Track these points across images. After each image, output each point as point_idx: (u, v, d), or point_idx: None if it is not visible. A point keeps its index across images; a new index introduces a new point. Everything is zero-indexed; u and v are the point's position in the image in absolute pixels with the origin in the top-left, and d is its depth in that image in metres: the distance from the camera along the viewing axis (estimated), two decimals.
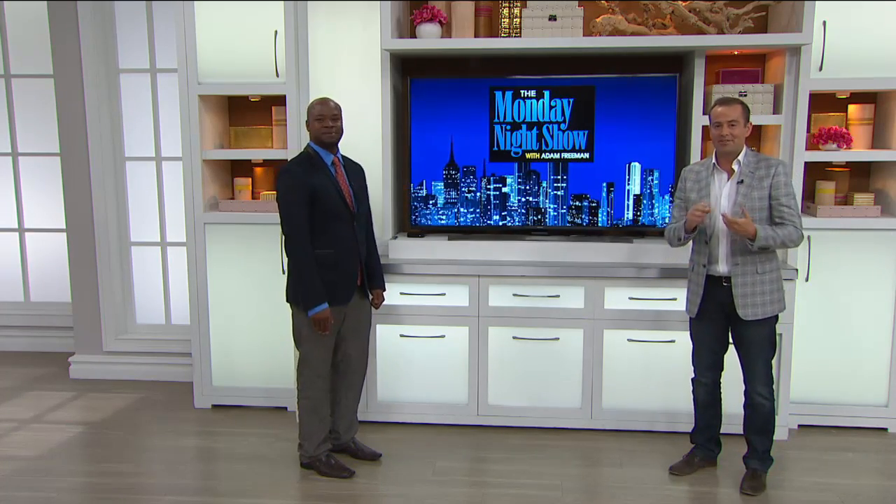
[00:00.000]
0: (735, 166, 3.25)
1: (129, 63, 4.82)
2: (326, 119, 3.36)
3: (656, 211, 4.07)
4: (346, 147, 4.03)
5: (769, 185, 3.20)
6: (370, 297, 3.66)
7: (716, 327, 3.40)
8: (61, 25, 4.66)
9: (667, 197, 4.04)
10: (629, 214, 4.09)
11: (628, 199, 4.08)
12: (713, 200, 3.28)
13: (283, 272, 4.06)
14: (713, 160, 3.32)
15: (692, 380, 3.55)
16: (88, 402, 4.51)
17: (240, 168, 4.49)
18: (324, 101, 3.40)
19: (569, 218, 4.12)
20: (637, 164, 4.04)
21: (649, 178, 4.04)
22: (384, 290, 3.69)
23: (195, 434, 4.05)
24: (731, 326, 3.38)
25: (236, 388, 4.36)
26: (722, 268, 3.29)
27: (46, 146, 5.24)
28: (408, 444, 3.87)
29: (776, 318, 3.34)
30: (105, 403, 4.48)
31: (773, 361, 3.42)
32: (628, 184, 4.06)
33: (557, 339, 3.96)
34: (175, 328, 4.98)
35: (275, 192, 4.22)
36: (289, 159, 3.90)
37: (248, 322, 4.30)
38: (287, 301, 3.50)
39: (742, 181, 3.23)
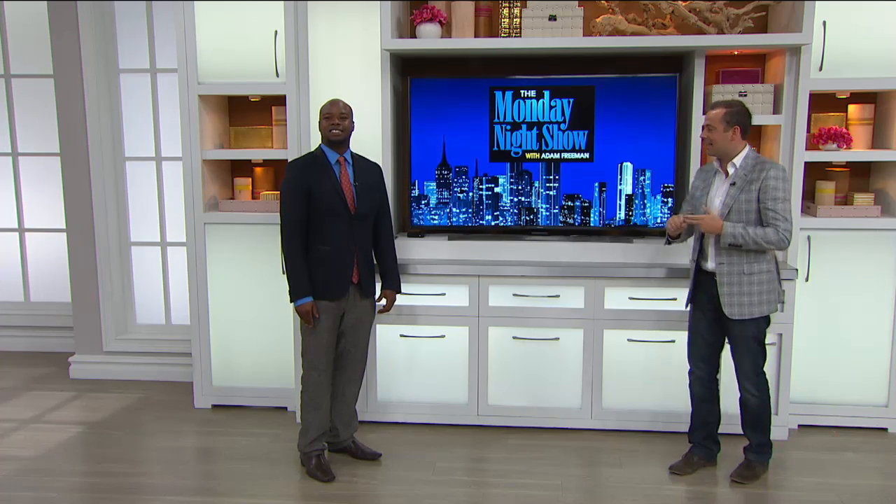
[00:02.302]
0: (730, 169, 3.32)
1: (129, 63, 4.82)
2: (334, 117, 3.42)
3: (648, 211, 4.07)
4: None
5: (757, 189, 3.24)
6: (377, 296, 3.68)
7: (709, 319, 3.45)
8: (61, 25, 4.66)
9: (658, 197, 4.04)
10: (621, 214, 4.09)
11: (620, 199, 4.09)
12: (709, 200, 3.38)
13: (283, 272, 4.06)
14: (716, 163, 3.40)
15: (689, 373, 3.58)
16: (88, 402, 4.51)
17: (240, 168, 4.49)
18: (333, 102, 3.48)
19: (561, 218, 4.12)
20: (629, 164, 4.05)
21: (641, 178, 4.05)
22: (397, 291, 3.69)
23: (195, 434, 4.05)
24: (723, 321, 3.42)
25: (236, 388, 4.36)
26: (710, 264, 3.37)
27: (46, 146, 5.24)
28: (408, 444, 3.87)
29: (766, 319, 3.38)
30: (105, 403, 4.48)
31: (772, 361, 3.46)
32: (620, 184, 4.07)
33: (557, 339, 3.96)
34: (175, 328, 4.98)
35: (276, 192, 4.28)
36: (289, 159, 3.92)
37: (248, 322, 4.30)
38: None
39: (734, 183, 3.29)
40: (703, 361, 3.50)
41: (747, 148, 3.32)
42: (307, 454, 3.55)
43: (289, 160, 3.77)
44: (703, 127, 3.34)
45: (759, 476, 3.46)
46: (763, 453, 3.47)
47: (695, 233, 3.47)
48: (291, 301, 3.43)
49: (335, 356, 3.58)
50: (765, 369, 3.42)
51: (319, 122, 3.46)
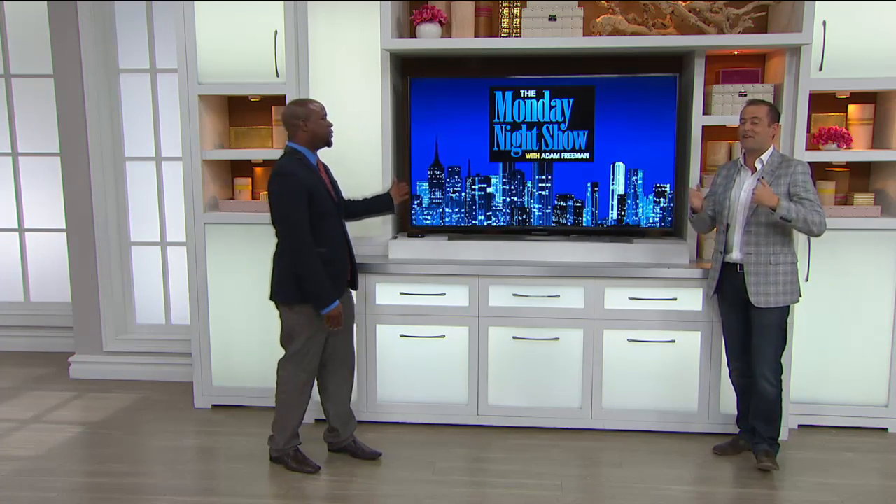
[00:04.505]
0: (758, 164, 3.45)
1: (129, 63, 4.82)
2: (326, 119, 3.43)
3: (640, 211, 4.07)
4: (347, 147, 4.04)
5: (787, 184, 3.37)
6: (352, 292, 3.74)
7: (737, 312, 3.58)
8: (61, 25, 4.66)
9: (651, 196, 4.04)
10: (614, 214, 4.09)
11: (613, 199, 4.09)
12: (734, 194, 3.50)
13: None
14: (741, 159, 3.52)
15: (728, 364, 3.71)
16: (88, 402, 4.51)
17: (240, 168, 4.49)
18: (319, 102, 3.48)
19: (553, 218, 4.12)
20: (621, 163, 4.05)
21: (633, 178, 4.05)
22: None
23: (195, 434, 4.05)
24: (749, 311, 3.51)
25: (236, 388, 4.36)
26: (736, 255, 3.50)
27: (46, 146, 5.24)
28: (408, 444, 3.87)
29: (788, 309, 3.48)
30: (105, 403, 4.48)
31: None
32: (613, 183, 4.07)
33: (557, 339, 3.96)
34: (175, 328, 4.98)
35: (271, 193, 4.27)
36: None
37: (248, 322, 4.30)
38: (273, 300, 3.49)
39: (762, 178, 3.40)
40: (741, 353, 3.63)
41: (773, 146, 3.46)
42: (285, 450, 3.56)
43: (277, 163, 3.41)
44: (742, 121, 3.42)
45: (776, 467, 3.51)
46: (774, 446, 3.55)
47: (718, 226, 3.59)
48: (318, 310, 3.36)
49: (325, 357, 3.59)
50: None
51: (314, 123, 3.40)
